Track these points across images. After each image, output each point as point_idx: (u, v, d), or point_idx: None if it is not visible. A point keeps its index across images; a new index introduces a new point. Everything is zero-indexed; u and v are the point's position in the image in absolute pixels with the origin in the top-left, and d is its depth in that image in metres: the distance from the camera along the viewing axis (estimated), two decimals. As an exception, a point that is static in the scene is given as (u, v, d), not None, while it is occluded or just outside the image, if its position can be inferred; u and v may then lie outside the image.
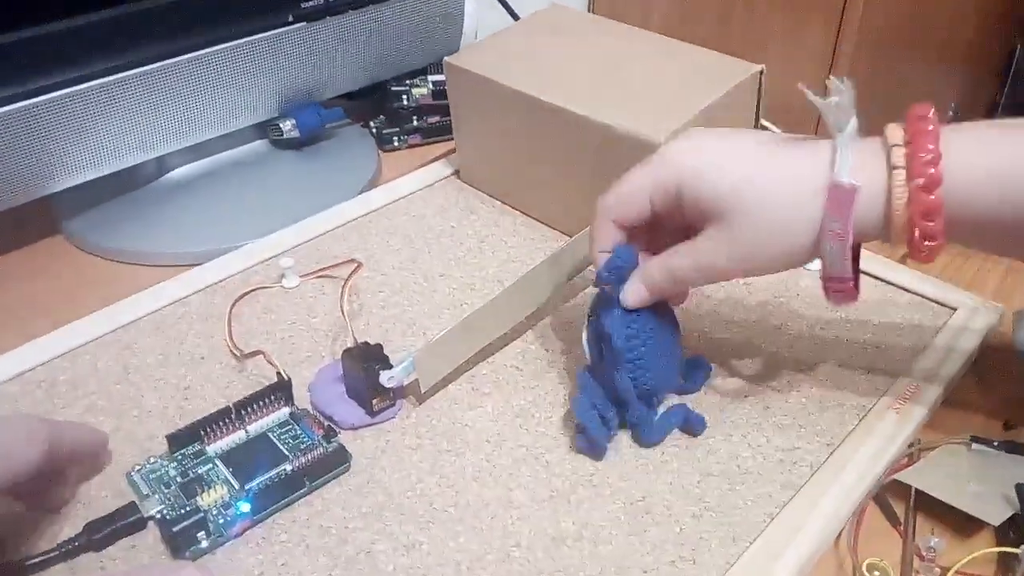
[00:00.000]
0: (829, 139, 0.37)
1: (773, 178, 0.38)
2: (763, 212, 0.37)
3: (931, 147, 0.35)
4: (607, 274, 0.41)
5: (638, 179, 0.40)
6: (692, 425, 0.43)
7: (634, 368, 0.41)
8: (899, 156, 0.36)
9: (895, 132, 0.37)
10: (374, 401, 0.43)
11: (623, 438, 0.43)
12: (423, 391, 0.44)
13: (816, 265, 0.54)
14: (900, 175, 0.35)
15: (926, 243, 0.36)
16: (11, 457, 0.33)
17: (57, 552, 0.36)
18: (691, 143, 0.40)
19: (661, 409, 0.44)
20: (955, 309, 0.50)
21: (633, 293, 0.41)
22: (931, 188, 0.35)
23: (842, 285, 0.39)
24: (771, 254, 0.38)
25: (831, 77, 0.36)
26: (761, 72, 0.54)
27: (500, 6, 0.80)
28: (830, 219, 0.36)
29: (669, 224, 0.41)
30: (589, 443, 0.42)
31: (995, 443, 0.42)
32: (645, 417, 0.42)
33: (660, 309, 0.42)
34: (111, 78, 0.55)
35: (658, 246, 0.42)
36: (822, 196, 0.36)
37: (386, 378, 0.43)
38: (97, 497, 0.40)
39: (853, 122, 0.36)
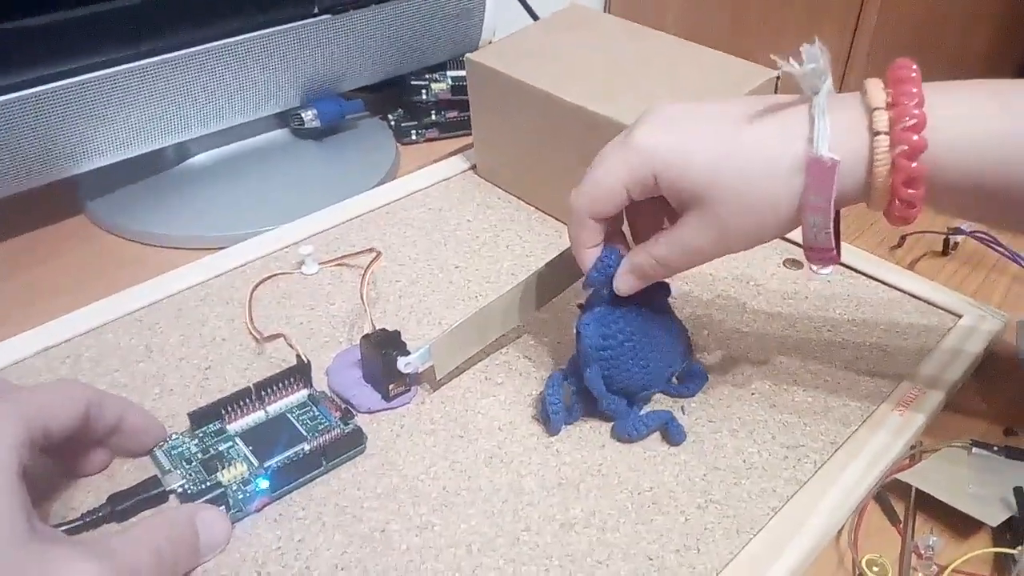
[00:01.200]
0: (800, 100, 0.37)
1: (749, 156, 0.36)
2: (742, 193, 0.36)
3: (915, 111, 0.34)
4: (596, 275, 0.41)
5: (612, 173, 0.39)
6: (671, 434, 0.43)
7: (607, 367, 0.42)
8: (882, 121, 0.34)
9: (877, 92, 0.35)
10: (391, 386, 0.44)
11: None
12: (438, 378, 0.45)
13: (827, 270, 0.56)
14: (883, 141, 0.34)
15: (907, 210, 0.35)
16: (49, 413, 0.35)
17: (82, 521, 0.37)
18: (660, 125, 0.38)
19: (650, 407, 0.45)
20: (960, 316, 0.51)
21: (624, 283, 0.41)
22: (914, 155, 0.34)
23: (824, 254, 0.38)
24: (754, 232, 0.38)
25: (804, 44, 0.35)
26: (777, 77, 0.55)
27: (518, 4, 0.81)
28: (811, 193, 0.35)
29: (646, 205, 0.41)
30: (545, 417, 0.43)
31: (995, 448, 0.43)
32: (620, 411, 0.43)
33: (651, 310, 0.43)
34: (138, 63, 0.57)
35: (636, 223, 0.43)
36: (801, 171, 0.35)
37: (403, 364, 0.44)
38: (120, 471, 0.41)
39: (827, 84, 0.35)
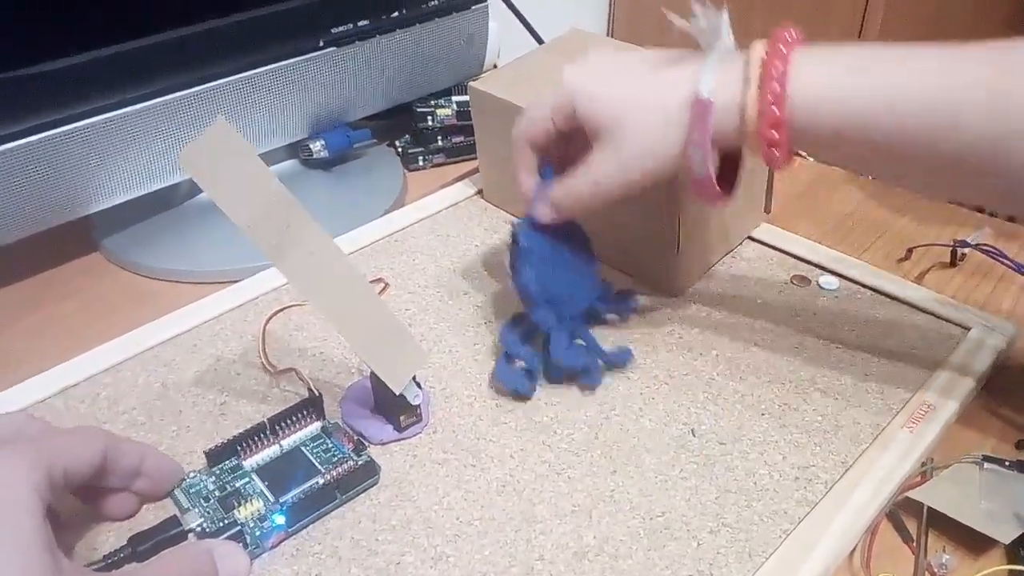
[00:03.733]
0: (700, 54, 0.42)
1: (648, 96, 0.42)
2: (640, 127, 0.42)
3: (781, 66, 0.39)
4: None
5: (542, 104, 0.46)
6: (615, 358, 0.48)
7: (538, 269, 0.47)
8: (754, 73, 0.40)
9: (757, 49, 0.40)
10: (401, 418, 0.45)
11: (642, 456, 0.44)
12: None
13: (833, 284, 0.56)
14: (752, 90, 0.40)
15: (775, 152, 0.40)
16: (69, 456, 0.35)
17: (104, 563, 0.38)
18: (586, 66, 0.45)
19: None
20: (969, 329, 0.51)
21: (540, 212, 0.47)
22: (778, 103, 0.39)
23: (705, 186, 0.43)
24: (650, 163, 0.43)
25: (696, 4, 0.41)
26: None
27: (522, 27, 0.82)
28: (693, 130, 0.41)
29: (577, 144, 0.46)
30: (510, 379, 0.47)
31: (1007, 462, 0.43)
32: (551, 323, 0.47)
33: (569, 235, 0.49)
34: (151, 103, 0.58)
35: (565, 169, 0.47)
36: (687, 110, 0.41)
37: (412, 396, 0.44)
38: (140, 510, 0.42)
39: (723, 42, 0.41)
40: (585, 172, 0.45)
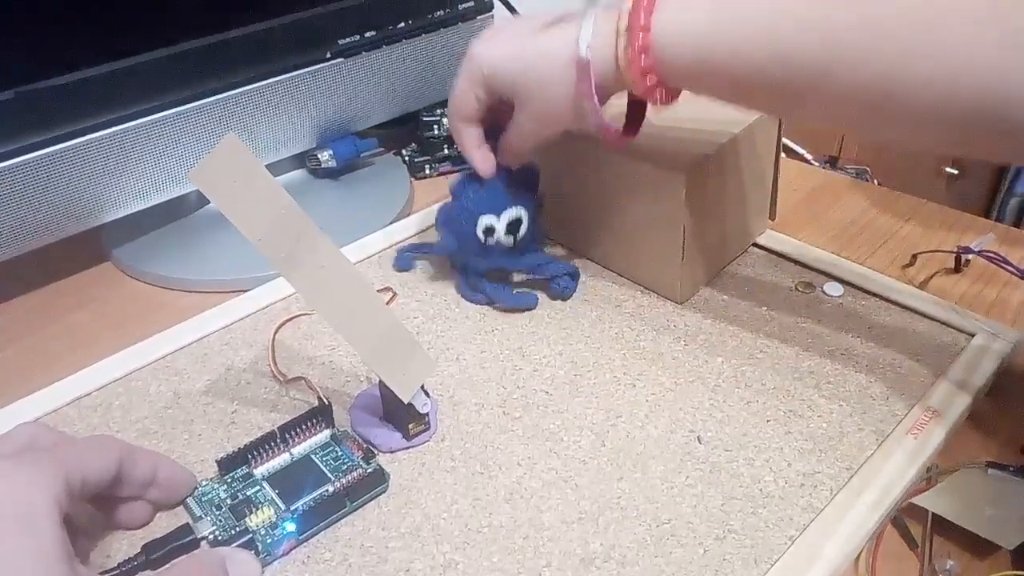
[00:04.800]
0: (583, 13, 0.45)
1: (540, 58, 0.47)
2: (538, 87, 0.47)
3: (644, 18, 0.42)
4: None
5: (460, 82, 0.51)
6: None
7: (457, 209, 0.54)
8: (623, 25, 0.43)
9: (625, 3, 0.43)
10: (410, 426, 0.45)
11: (648, 463, 0.45)
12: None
13: (837, 290, 0.56)
14: (622, 41, 0.43)
15: (652, 94, 0.44)
16: (86, 464, 0.36)
17: (119, 570, 0.38)
18: (487, 39, 0.50)
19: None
20: (973, 335, 0.51)
21: (484, 162, 0.53)
22: (644, 50, 0.43)
23: (606, 132, 0.47)
24: (555, 116, 0.48)
25: None
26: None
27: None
28: (579, 84, 0.45)
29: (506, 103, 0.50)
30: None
31: (1011, 468, 0.43)
32: (456, 255, 0.56)
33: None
34: (161, 114, 0.58)
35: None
36: (571, 67, 0.45)
37: (421, 404, 0.45)
38: (154, 518, 0.42)
39: (603, 1, 0.45)
40: (512, 128, 0.51)
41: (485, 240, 0.54)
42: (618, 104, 0.49)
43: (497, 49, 0.49)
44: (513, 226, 0.54)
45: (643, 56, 0.43)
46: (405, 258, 0.60)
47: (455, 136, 0.54)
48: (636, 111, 0.50)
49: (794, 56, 0.40)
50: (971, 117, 0.37)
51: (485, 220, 0.53)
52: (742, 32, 0.41)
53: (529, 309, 0.56)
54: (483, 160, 0.53)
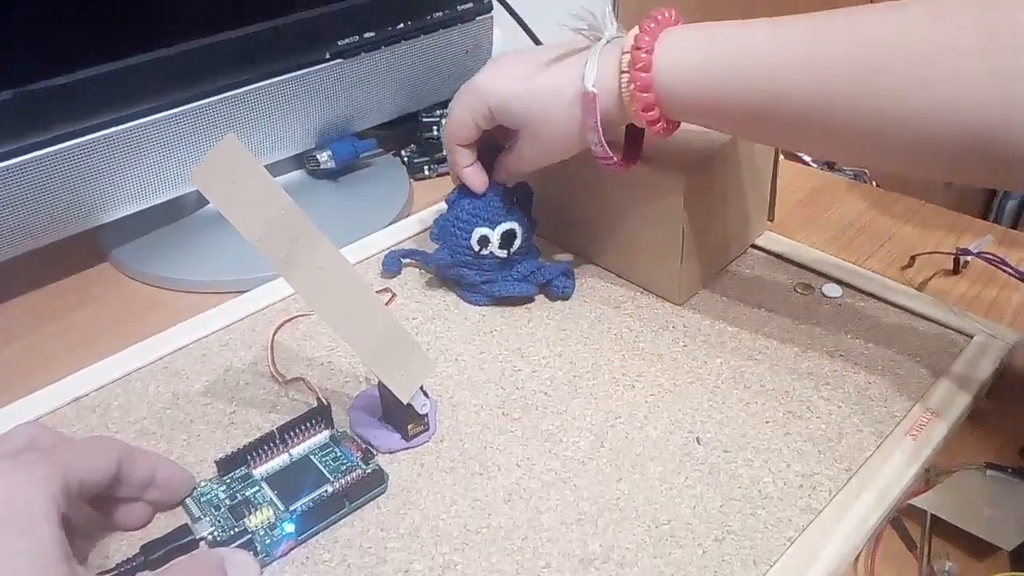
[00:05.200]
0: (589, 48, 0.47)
1: (547, 93, 0.48)
2: (544, 121, 0.49)
3: (644, 56, 0.44)
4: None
5: (461, 112, 0.52)
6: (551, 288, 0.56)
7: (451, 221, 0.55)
8: (625, 62, 0.45)
9: (629, 39, 0.45)
10: (409, 427, 0.45)
11: (647, 464, 0.45)
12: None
13: (836, 292, 0.56)
14: (625, 79, 0.45)
15: (654, 127, 0.46)
16: (85, 465, 0.36)
17: (117, 571, 0.38)
18: (494, 71, 0.51)
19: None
20: (971, 336, 0.51)
21: (477, 179, 0.55)
22: (645, 88, 0.45)
23: (608, 162, 0.49)
24: (559, 147, 0.50)
25: (578, 9, 0.47)
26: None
27: (526, 35, 0.82)
28: (585, 117, 0.47)
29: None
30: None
31: (1010, 469, 0.43)
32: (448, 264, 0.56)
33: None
34: (160, 115, 0.58)
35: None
36: (578, 102, 0.47)
37: (420, 405, 0.45)
38: (152, 519, 0.42)
39: (606, 37, 0.47)
40: (514, 153, 0.52)
41: (479, 250, 0.54)
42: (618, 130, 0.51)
43: (507, 84, 0.50)
44: (507, 238, 0.54)
45: (644, 94, 0.45)
46: (394, 260, 0.60)
47: (449, 157, 0.55)
48: (634, 139, 0.52)
49: (791, 93, 0.41)
50: (965, 149, 0.38)
51: (480, 231, 0.54)
52: (738, 73, 0.43)
53: (529, 300, 0.56)
54: (475, 176, 0.54)
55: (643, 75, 0.44)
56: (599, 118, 0.46)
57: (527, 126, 0.50)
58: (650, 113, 0.45)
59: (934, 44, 0.37)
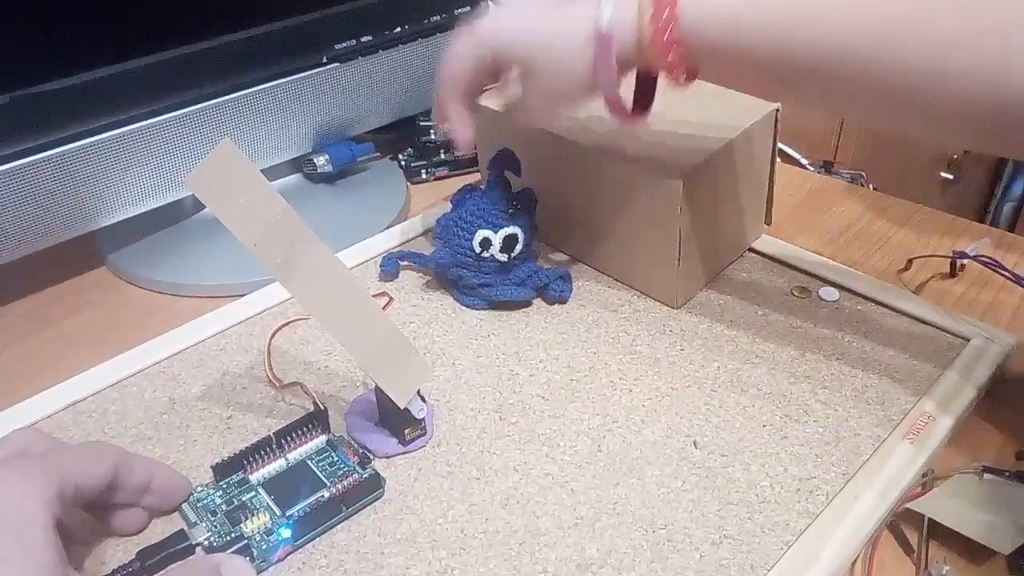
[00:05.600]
0: None
1: (557, 34, 0.46)
2: (553, 65, 0.46)
3: None
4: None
5: (461, 58, 0.49)
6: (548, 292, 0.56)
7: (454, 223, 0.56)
8: (646, 1, 0.43)
9: None
10: (406, 431, 0.45)
11: (644, 468, 0.45)
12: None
13: (833, 295, 0.56)
14: (646, 16, 0.42)
15: (673, 71, 0.44)
16: (80, 471, 0.36)
17: (113, 576, 0.38)
18: (497, 14, 0.49)
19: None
20: (968, 339, 0.51)
21: (461, 133, 0.52)
22: (667, 26, 0.42)
23: (616, 107, 0.47)
24: (566, 91, 0.47)
25: None
26: (776, 110, 0.56)
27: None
28: (598, 60, 0.44)
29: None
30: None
31: (1007, 473, 0.43)
32: (449, 264, 0.56)
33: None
34: (155, 120, 0.58)
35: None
36: (591, 42, 0.44)
37: (417, 409, 0.45)
38: (148, 525, 0.42)
39: None
40: (521, 104, 0.49)
41: (480, 252, 0.54)
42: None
43: (512, 25, 0.47)
44: (509, 243, 0.54)
45: (668, 30, 0.42)
46: (393, 263, 0.60)
47: (439, 104, 0.52)
48: (646, 89, 0.49)
49: (829, 40, 0.39)
50: (1011, 114, 0.37)
51: (483, 232, 0.54)
52: (774, 12, 0.40)
53: (526, 303, 0.56)
54: (460, 130, 0.52)
55: (666, 12, 0.42)
56: (614, 60, 0.44)
57: (533, 69, 0.47)
58: (672, 52, 0.42)
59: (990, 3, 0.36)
